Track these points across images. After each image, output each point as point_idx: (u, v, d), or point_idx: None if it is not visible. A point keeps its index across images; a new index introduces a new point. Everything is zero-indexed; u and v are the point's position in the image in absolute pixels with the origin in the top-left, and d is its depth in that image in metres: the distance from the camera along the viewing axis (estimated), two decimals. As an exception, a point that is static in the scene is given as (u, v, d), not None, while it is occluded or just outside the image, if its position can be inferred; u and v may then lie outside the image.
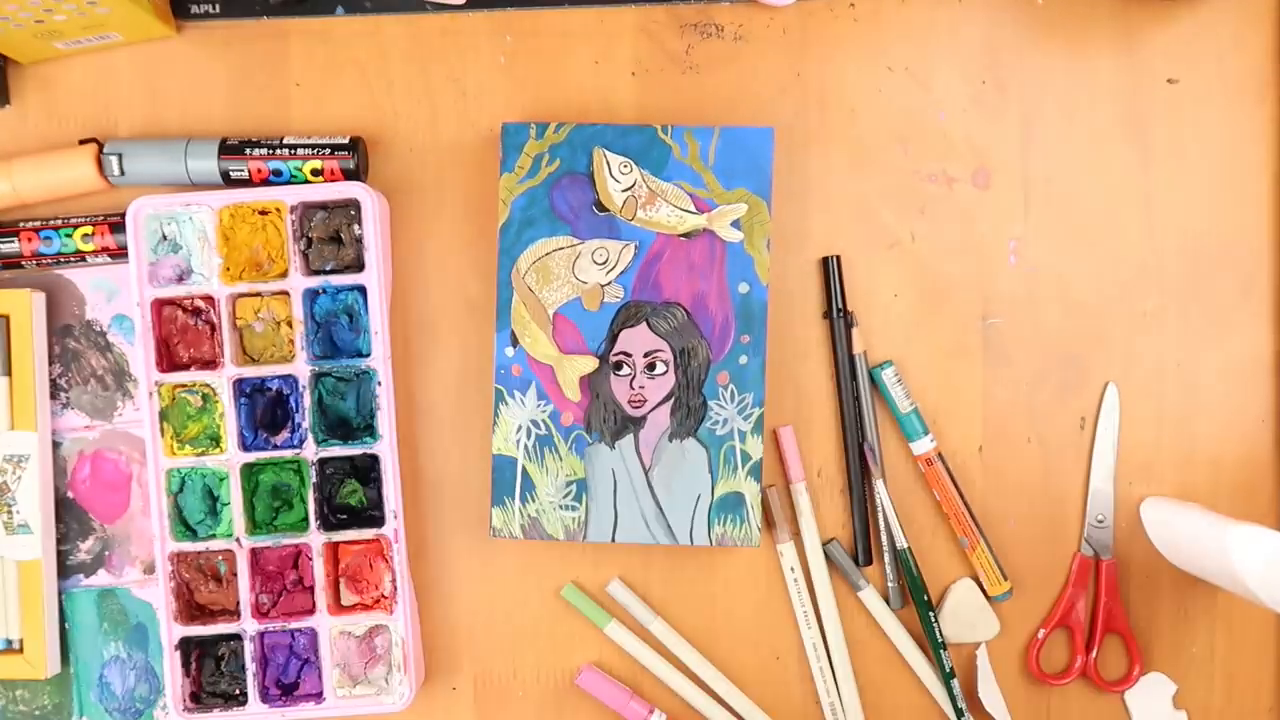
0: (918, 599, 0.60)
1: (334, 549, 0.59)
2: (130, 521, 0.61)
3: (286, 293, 0.58)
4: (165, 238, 0.58)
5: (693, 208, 0.57)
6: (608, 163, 0.57)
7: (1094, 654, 0.60)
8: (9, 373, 0.59)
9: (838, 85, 0.60)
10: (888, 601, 0.60)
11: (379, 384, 0.57)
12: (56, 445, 0.61)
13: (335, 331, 0.59)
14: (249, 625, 0.58)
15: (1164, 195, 0.60)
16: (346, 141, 0.58)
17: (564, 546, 0.61)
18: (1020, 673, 0.61)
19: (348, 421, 0.59)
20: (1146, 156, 0.60)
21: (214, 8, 0.60)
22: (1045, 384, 0.61)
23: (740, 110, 0.60)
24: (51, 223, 0.59)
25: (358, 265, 0.58)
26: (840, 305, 0.60)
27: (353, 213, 0.58)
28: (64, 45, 0.59)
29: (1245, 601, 0.60)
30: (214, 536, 0.58)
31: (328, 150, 0.58)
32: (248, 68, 0.60)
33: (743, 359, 0.57)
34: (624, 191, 0.57)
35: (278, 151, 0.58)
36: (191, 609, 0.59)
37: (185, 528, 0.59)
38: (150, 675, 0.61)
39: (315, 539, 0.58)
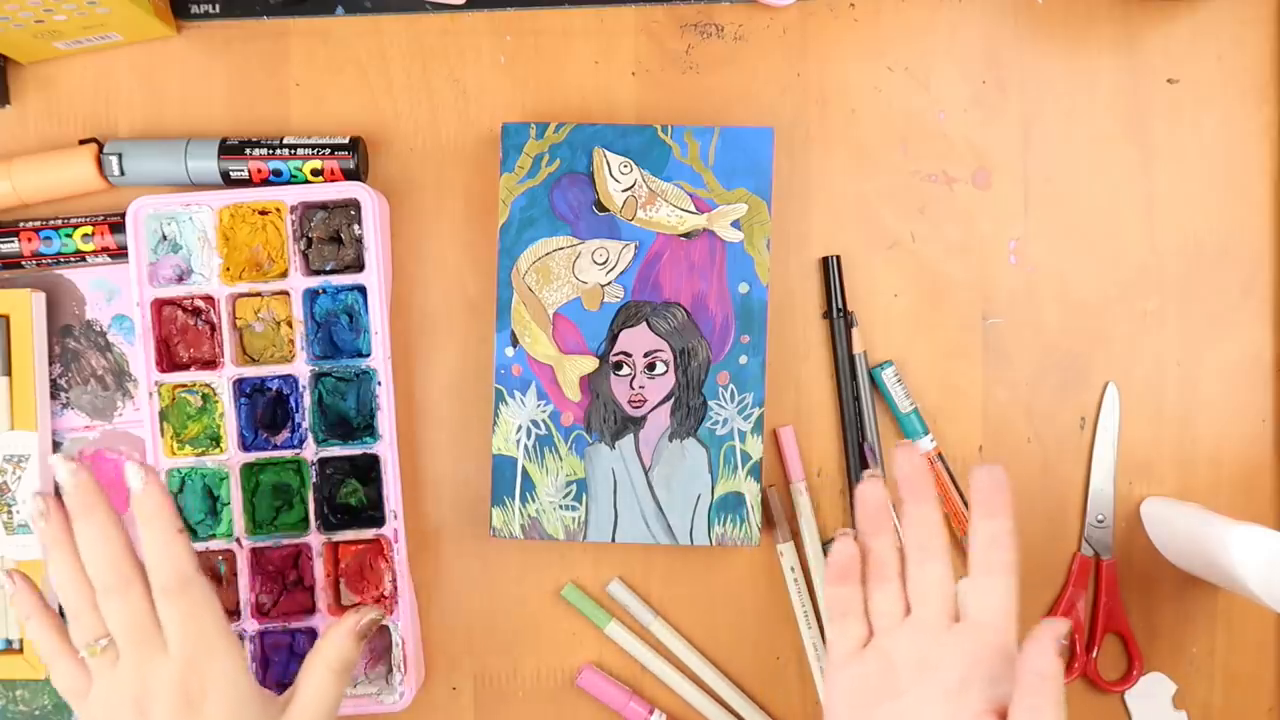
0: (918, 599, 0.59)
1: (334, 549, 0.59)
2: (130, 522, 0.61)
3: (286, 293, 0.58)
4: (165, 238, 0.58)
5: (693, 208, 0.57)
6: (608, 163, 0.57)
7: (1094, 654, 0.60)
8: (9, 373, 0.59)
9: (838, 85, 0.60)
10: (888, 601, 0.60)
11: (379, 384, 0.57)
12: (56, 445, 0.61)
13: (335, 331, 0.59)
14: (249, 625, 0.58)
15: (1164, 195, 0.60)
16: (346, 141, 0.58)
17: (564, 546, 0.61)
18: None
19: (348, 421, 0.59)
20: (1146, 156, 0.60)
21: (214, 8, 0.60)
22: (1045, 384, 0.61)
23: (740, 110, 0.60)
24: (51, 223, 0.59)
25: (358, 265, 0.58)
26: (840, 305, 0.60)
27: (353, 213, 0.58)
28: (64, 45, 0.59)
29: (1245, 601, 0.60)
30: (214, 536, 0.58)
31: (328, 150, 0.58)
32: (248, 68, 0.61)
33: (743, 359, 0.57)
34: (624, 191, 0.57)
35: (278, 151, 0.58)
36: (191, 609, 0.59)
37: (185, 527, 0.58)
38: (150, 675, 0.61)
39: (315, 539, 0.58)
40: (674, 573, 0.61)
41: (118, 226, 0.59)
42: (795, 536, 0.60)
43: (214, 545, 0.58)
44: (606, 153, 0.57)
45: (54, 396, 0.61)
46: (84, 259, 0.59)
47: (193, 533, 0.59)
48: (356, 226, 0.58)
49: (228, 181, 0.59)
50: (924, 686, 0.46)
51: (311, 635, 0.58)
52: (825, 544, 0.60)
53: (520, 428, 0.57)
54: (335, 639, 0.51)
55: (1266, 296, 0.60)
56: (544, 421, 0.57)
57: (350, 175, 0.58)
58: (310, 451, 0.58)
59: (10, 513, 0.59)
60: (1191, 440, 0.61)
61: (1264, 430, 0.61)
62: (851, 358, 0.60)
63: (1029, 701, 0.42)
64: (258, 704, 0.48)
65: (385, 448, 0.58)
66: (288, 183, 0.58)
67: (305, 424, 0.58)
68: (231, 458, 0.58)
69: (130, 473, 0.49)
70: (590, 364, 0.57)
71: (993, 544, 0.46)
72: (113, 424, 0.61)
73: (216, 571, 0.59)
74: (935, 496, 0.49)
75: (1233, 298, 0.60)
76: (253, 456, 0.58)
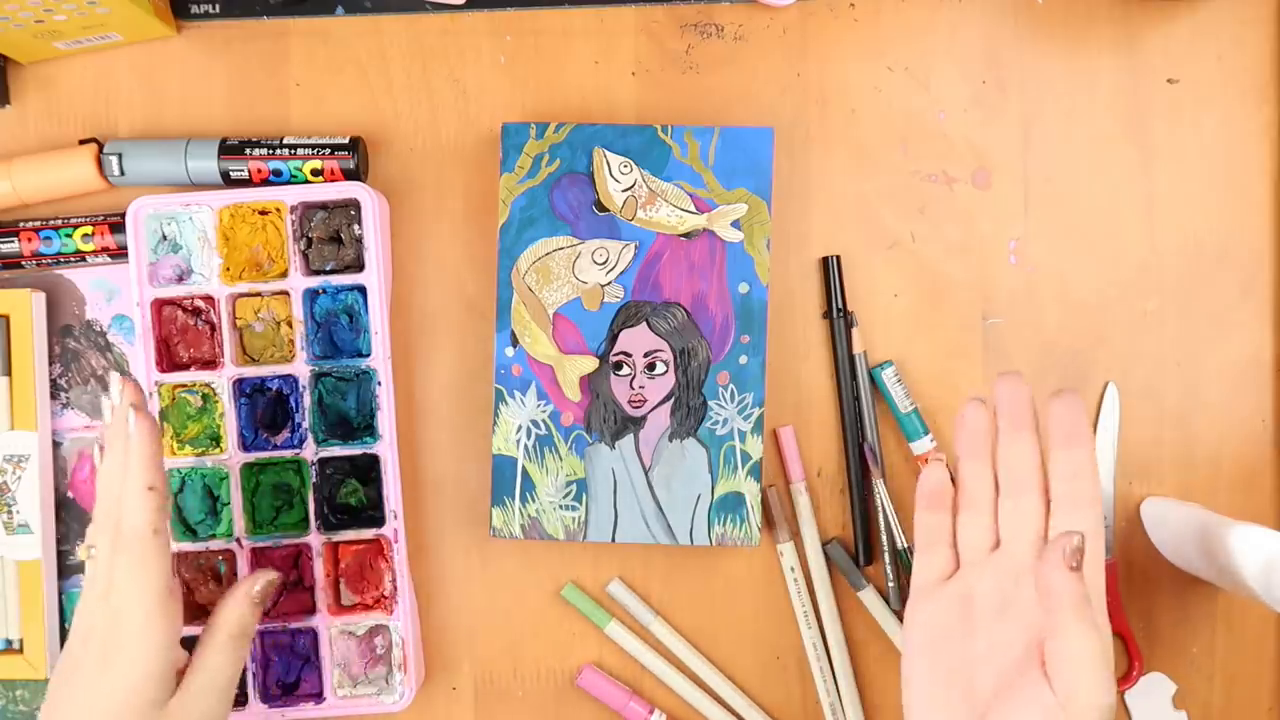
0: (918, 599, 0.59)
1: (334, 549, 0.59)
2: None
3: (286, 293, 0.58)
4: (165, 238, 0.58)
5: (693, 208, 0.57)
6: (608, 163, 0.57)
7: (1094, 654, 0.60)
8: (9, 373, 0.59)
9: (838, 85, 0.60)
10: (888, 601, 0.60)
11: (379, 384, 0.57)
12: (56, 445, 0.61)
13: (335, 331, 0.59)
14: (249, 625, 0.58)
15: (1164, 195, 0.60)
16: (346, 141, 0.58)
17: (564, 546, 0.61)
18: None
19: (348, 421, 0.59)
20: (1146, 156, 0.60)
21: (214, 8, 0.60)
22: (1045, 384, 0.60)
23: (740, 110, 0.60)
24: (51, 223, 0.59)
25: (358, 265, 0.58)
26: (840, 305, 0.60)
27: (353, 213, 0.58)
28: (64, 45, 0.59)
29: (1245, 601, 0.60)
30: (214, 536, 0.58)
31: (328, 150, 0.58)
32: (248, 68, 0.61)
33: (743, 359, 0.57)
34: (624, 191, 0.57)
35: (278, 151, 0.58)
36: (191, 609, 0.58)
37: (185, 528, 0.59)
38: (150, 675, 0.61)
39: (315, 539, 0.58)
40: (674, 573, 0.61)
41: (118, 226, 0.59)
42: (795, 536, 0.60)
43: (214, 545, 0.58)
44: (606, 153, 0.57)
45: (54, 396, 0.61)
46: (84, 259, 0.59)
47: (193, 533, 0.59)
48: (356, 226, 0.58)
49: (228, 181, 0.59)
50: (1003, 626, 0.45)
51: (311, 635, 0.58)
52: (825, 544, 0.60)
53: (520, 428, 0.57)
54: (232, 606, 0.51)
55: (1266, 297, 0.60)
56: (544, 421, 0.57)
57: (350, 175, 0.58)
58: (310, 451, 0.58)
59: (10, 513, 0.59)
60: (1191, 440, 0.61)
61: (1264, 430, 0.61)
62: (851, 358, 0.60)
63: (1051, 620, 0.41)
64: (169, 681, 0.48)
65: (385, 448, 0.58)
66: (288, 183, 0.58)
67: (305, 424, 0.58)
68: (231, 458, 0.58)
69: (131, 419, 0.48)
70: (590, 364, 0.57)
71: (1076, 475, 0.45)
72: (113, 424, 0.61)
73: (217, 571, 0.59)
74: (1035, 427, 0.47)
75: (1233, 298, 0.60)
76: (253, 456, 0.58)
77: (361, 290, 0.58)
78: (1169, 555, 0.59)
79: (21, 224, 0.59)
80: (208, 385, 0.58)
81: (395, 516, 0.58)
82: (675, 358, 0.57)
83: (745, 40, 0.60)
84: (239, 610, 0.51)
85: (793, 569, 0.60)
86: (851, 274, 0.60)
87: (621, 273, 0.57)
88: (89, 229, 0.59)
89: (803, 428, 0.60)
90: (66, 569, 0.61)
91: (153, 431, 0.48)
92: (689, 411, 0.57)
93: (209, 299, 0.58)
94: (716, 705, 0.60)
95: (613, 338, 0.57)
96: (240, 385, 0.58)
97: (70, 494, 0.61)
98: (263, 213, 0.58)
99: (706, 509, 0.57)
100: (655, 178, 0.57)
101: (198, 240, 0.58)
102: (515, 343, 0.57)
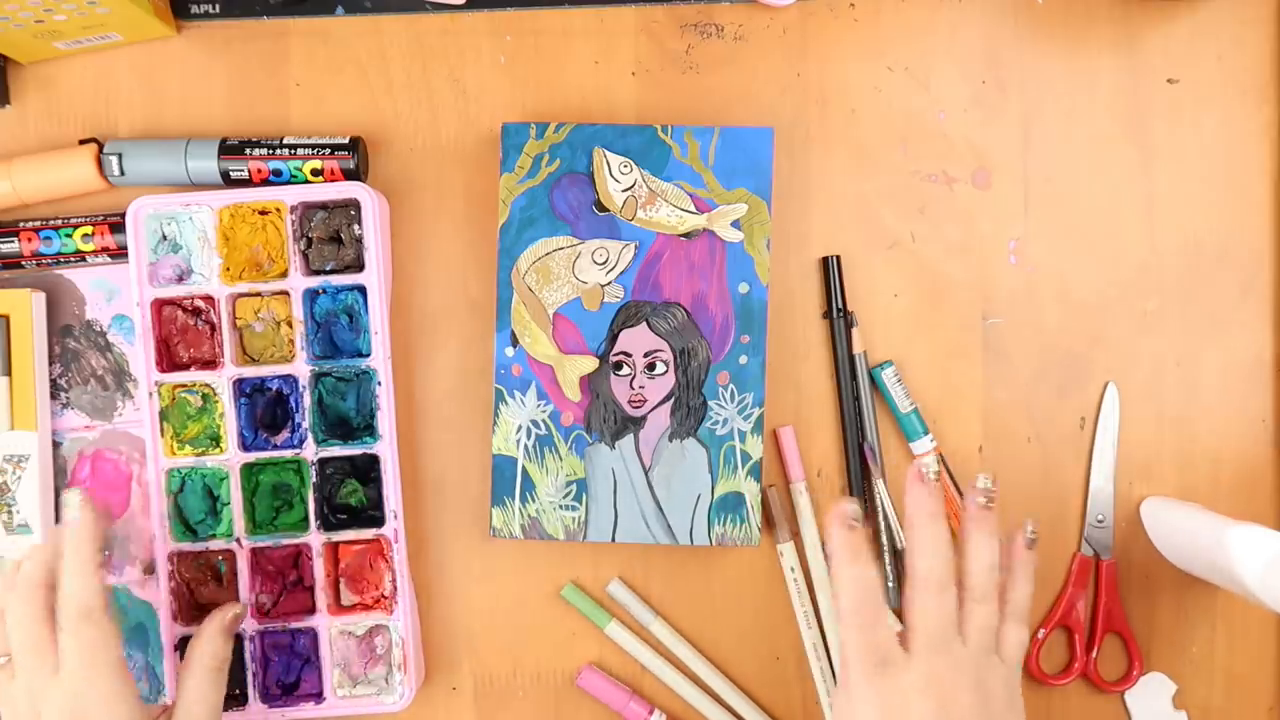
0: (918, 599, 0.59)
1: (334, 549, 0.59)
2: (130, 521, 0.61)
3: (286, 293, 0.58)
4: (165, 238, 0.58)
5: (693, 208, 0.57)
6: (608, 163, 0.57)
7: (1094, 654, 0.60)
8: (9, 373, 0.59)
9: (838, 85, 0.60)
10: (887, 601, 0.60)
11: (379, 384, 0.57)
12: (56, 445, 0.61)
13: (335, 331, 0.59)
14: (249, 625, 0.58)
15: (1164, 195, 0.60)
16: (346, 141, 0.58)
17: (564, 546, 0.61)
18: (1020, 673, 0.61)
19: (348, 421, 0.59)
20: (1146, 156, 0.60)
21: (214, 8, 0.60)
22: (1045, 384, 0.61)
23: (740, 110, 0.60)
24: (51, 223, 0.59)
25: (358, 265, 0.58)
26: (840, 305, 0.60)
27: (353, 213, 0.58)
28: (64, 45, 0.59)
29: (1245, 601, 0.60)
30: (214, 536, 0.58)
31: (328, 150, 0.58)
32: (248, 68, 0.61)
33: (743, 359, 0.57)
34: (624, 191, 0.57)
35: (278, 151, 0.58)
36: (191, 609, 0.59)
37: (185, 528, 0.59)
38: (150, 675, 0.61)
39: (315, 539, 0.58)
40: (674, 573, 0.61)
41: (118, 226, 0.59)
42: (795, 536, 0.60)
43: (214, 545, 0.58)
44: (606, 153, 0.57)
45: (54, 396, 0.61)
46: (84, 259, 0.59)
47: (193, 533, 0.59)
48: (356, 226, 0.58)
49: (228, 181, 0.59)
50: None
51: (311, 635, 0.58)
52: (825, 544, 0.60)
53: (520, 428, 0.57)
54: (207, 639, 0.54)
55: (1266, 296, 0.60)
56: (544, 421, 0.57)
57: (350, 175, 0.58)
58: (310, 451, 0.58)
59: (10, 512, 0.59)
60: (1191, 440, 0.61)
61: (1264, 430, 0.61)
62: (851, 358, 0.60)
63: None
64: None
65: (385, 448, 0.58)
66: (288, 183, 0.58)
67: (305, 424, 0.58)
68: (231, 458, 0.58)
69: (68, 499, 0.51)
70: (590, 364, 0.57)
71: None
72: (113, 424, 0.61)
73: (217, 571, 0.59)
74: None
75: (1233, 298, 0.60)
76: (253, 456, 0.58)
77: (361, 290, 0.58)
78: (1169, 555, 0.59)
79: (21, 224, 0.59)
80: (208, 385, 0.58)
81: (395, 516, 0.58)
82: (675, 358, 0.57)
83: (745, 40, 0.60)
84: (213, 643, 0.54)
85: (793, 569, 0.60)
86: (851, 274, 0.60)
87: (621, 273, 0.57)
88: (89, 229, 0.59)
89: (803, 428, 0.60)
90: (66, 569, 0.61)
91: (94, 511, 0.51)
92: (689, 411, 0.57)
93: (209, 299, 0.58)
94: (716, 705, 0.60)
95: (613, 338, 0.57)
96: (240, 385, 0.58)
97: (70, 494, 0.61)
98: (263, 213, 0.58)
99: (706, 509, 0.57)
100: (655, 178, 0.57)
101: (198, 240, 0.58)
102: (515, 343, 0.57)
